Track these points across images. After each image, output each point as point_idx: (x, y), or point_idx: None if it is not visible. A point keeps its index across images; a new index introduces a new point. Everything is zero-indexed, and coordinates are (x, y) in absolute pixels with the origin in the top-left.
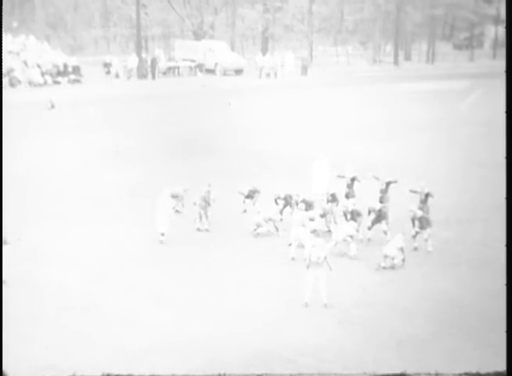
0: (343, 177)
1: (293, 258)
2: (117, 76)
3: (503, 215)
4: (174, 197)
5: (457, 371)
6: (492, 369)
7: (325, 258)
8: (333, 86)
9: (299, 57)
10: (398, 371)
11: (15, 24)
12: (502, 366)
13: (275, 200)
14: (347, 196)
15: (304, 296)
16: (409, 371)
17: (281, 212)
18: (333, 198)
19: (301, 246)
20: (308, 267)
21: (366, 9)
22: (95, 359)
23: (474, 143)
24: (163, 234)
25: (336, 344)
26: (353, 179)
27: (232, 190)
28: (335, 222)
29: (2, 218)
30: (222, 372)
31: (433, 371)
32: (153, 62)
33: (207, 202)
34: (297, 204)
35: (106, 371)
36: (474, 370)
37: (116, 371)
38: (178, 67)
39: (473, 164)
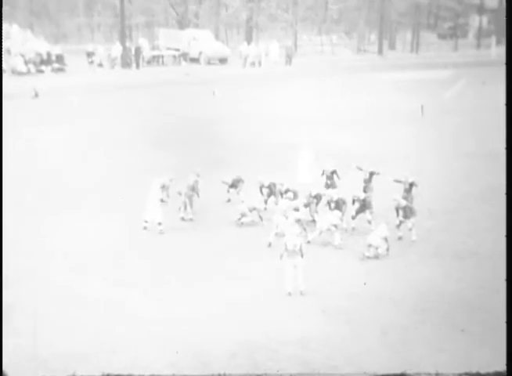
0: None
1: (270, 244)
2: (101, 65)
3: (488, 205)
4: (160, 187)
5: (457, 371)
6: (492, 369)
7: (300, 245)
8: (318, 75)
9: (283, 46)
10: (383, 361)
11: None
12: (502, 367)
13: (260, 188)
14: (327, 186)
15: (286, 285)
16: (409, 371)
17: (265, 201)
18: (317, 197)
19: (282, 235)
20: (281, 256)
21: None
22: (82, 350)
23: (458, 132)
24: (160, 223)
25: (320, 333)
26: (333, 172)
27: (216, 179)
28: (316, 212)
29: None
30: (222, 372)
31: (433, 371)
32: (137, 51)
33: (194, 191)
34: (281, 193)
35: (104, 370)
36: (474, 370)
37: (97, 363)
38: (163, 56)
39: (457, 153)
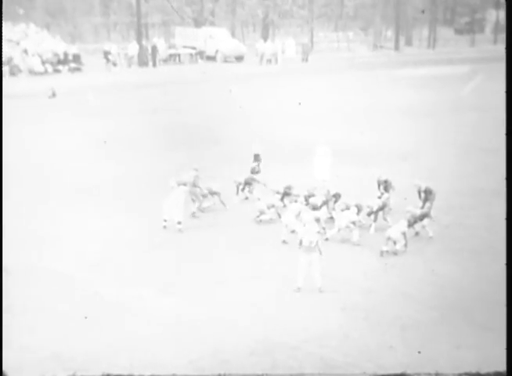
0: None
1: (284, 241)
2: (115, 64)
3: (504, 199)
4: (180, 184)
5: (457, 371)
6: (492, 369)
7: (317, 242)
8: (334, 72)
9: (300, 43)
10: (402, 357)
11: (21, 11)
12: (502, 367)
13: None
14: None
15: (297, 281)
16: (409, 370)
17: (282, 200)
18: (336, 196)
19: (294, 231)
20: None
21: None
22: (96, 348)
23: (475, 128)
24: (179, 222)
25: (339, 330)
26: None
27: (232, 177)
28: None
29: (2, 207)
30: (223, 372)
31: (433, 371)
32: (154, 49)
33: (196, 186)
34: (295, 201)
35: (107, 368)
36: (473, 370)
37: (117, 363)
38: (179, 55)
39: (474, 149)
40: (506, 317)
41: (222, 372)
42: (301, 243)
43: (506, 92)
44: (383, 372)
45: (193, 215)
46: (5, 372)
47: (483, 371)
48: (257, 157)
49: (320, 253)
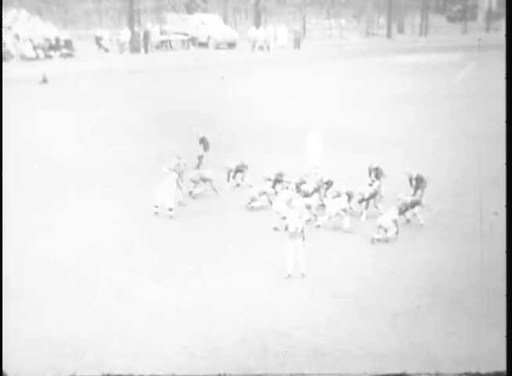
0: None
1: (275, 228)
2: (107, 50)
3: (495, 187)
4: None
5: (457, 371)
6: (492, 369)
7: (302, 228)
8: (326, 59)
9: (292, 30)
10: (393, 344)
11: None
12: (502, 367)
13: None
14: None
15: (287, 268)
16: (409, 371)
17: (273, 187)
18: (328, 183)
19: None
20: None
21: None
22: (88, 334)
23: (466, 116)
24: (171, 209)
25: (329, 317)
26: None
27: (223, 165)
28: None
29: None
30: (223, 372)
31: (433, 371)
32: (146, 35)
33: (179, 174)
34: (287, 188)
35: (106, 370)
36: (473, 370)
37: (108, 348)
38: (171, 41)
39: (465, 136)
40: (506, 317)
41: (222, 372)
42: (286, 228)
43: (505, 78)
44: (383, 372)
45: (180, 203)
46: (5, 372)
47: (483, 371)
48: (203, 141)
49: (303, 239)
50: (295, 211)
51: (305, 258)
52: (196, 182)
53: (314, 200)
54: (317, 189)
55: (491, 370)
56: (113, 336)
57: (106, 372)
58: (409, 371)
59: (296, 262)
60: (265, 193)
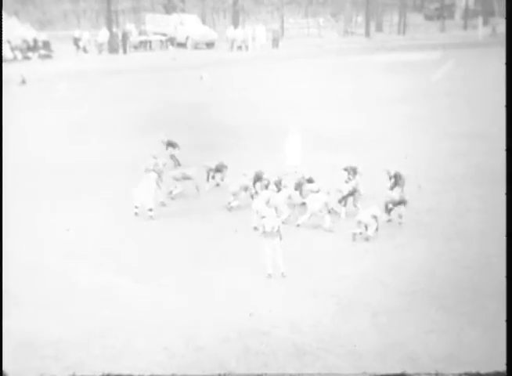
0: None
1: (255, 228)
2: (85, 51)
3: (476, 186)
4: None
5: (457, 371)
6: (492, 369)
7: (278, 227)
8: (305, 58)
9: (270, 30)
10: (374, 342)
11: None
12: (502, 367)
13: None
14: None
15: (267, 268)
16: (409, 370)
17: (254, 185)
18: (310, 181)
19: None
20: (263, 237)
21: None
22: (70, 335)
23: (445, 114)
24: (151, 209)
25: (311, 316)
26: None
27: (202, 165)
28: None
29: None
30: (223, 372)
31: (433, 371)
32: (124, 36)
33: (158, 174)
34: (266, 187)
35: (106, 371)
36: (473, 370)
37: (90, 349)
38: (150, 41)
39: (445, 134)
40: (506, 317)
41: (222, 372)
42: (263, 228)
43: (505, 76)
44: (382, 372)
45: (162, 203)
46: (5, 372)
47: (483, 371)
48: (170, 143)
49: (280, 239)
50: (272, 209)
51: (283, 258)
52: (178, 180)
53: (295, 194)
54: (299, 185)
55: (491, 370)
56: (94, 337)
57: (106, 372)
58: (389, 369)
59: (275, 262)
60: (246, 188)
